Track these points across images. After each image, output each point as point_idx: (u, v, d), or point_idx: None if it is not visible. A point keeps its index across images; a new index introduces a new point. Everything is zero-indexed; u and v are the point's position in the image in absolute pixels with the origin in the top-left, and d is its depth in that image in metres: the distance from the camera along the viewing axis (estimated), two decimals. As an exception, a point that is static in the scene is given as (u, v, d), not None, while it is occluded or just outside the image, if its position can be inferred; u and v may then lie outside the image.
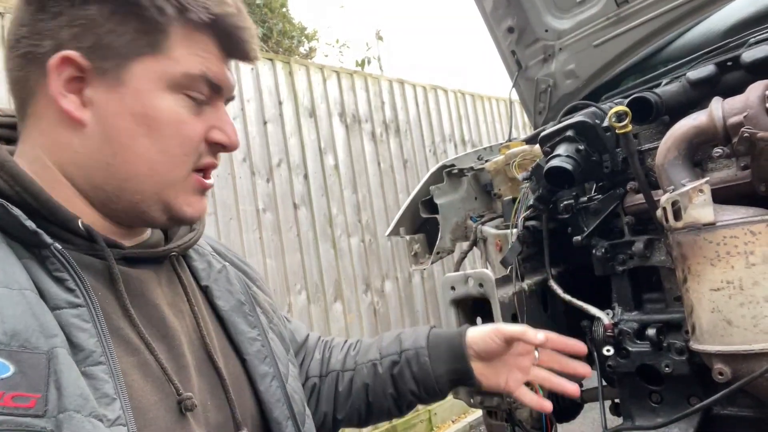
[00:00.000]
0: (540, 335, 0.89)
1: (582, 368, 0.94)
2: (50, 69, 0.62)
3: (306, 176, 3.73)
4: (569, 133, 1.15)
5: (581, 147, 1.13)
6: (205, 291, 0.82)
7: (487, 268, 1.32)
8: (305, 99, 3.83)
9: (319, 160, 3.84)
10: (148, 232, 0.76)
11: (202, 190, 0.72)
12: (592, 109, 1.19)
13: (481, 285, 1.10)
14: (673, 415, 1.02)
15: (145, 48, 0.64)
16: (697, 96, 1.05)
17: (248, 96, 3.46)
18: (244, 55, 0.72)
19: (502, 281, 1.18)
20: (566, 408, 1.42)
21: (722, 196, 0.93)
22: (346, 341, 1.03)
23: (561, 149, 1.14)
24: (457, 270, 1.63)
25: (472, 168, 1.69)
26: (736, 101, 0.90)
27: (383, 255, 4.12)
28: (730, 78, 1.03)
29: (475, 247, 1.61)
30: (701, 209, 0.87)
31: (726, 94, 0.94)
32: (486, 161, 1.65)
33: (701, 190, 0.87)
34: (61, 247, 0.59)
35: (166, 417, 0.64)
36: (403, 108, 4.58)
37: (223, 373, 0.74)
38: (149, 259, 0.73)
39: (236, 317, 0.82)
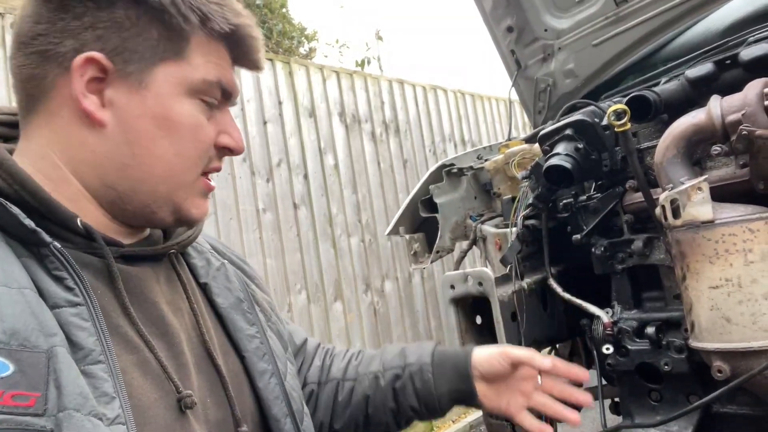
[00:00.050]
0: (547, 361, 0.88)
1: (583, 397, 0.93)
2: (74, 69, 0.63)
3: (306, 176, 3.74)
4: (568, 131, 1.15)
5: (580, 145, 1.13)
6: (204, 288, 0.82)
7: (486, 267, 1.32)
8: (305, 99, 3.84)
9: (319, 160, 3.85)
10: (147, 230, 0.76)
11: (207, 192, 0.74)
12: (591, 107, 1.19)
13: (480, 284, 1.11)
14: (673, 414, 1.02)
15: (167, 53, 0.66)
16: (696, 94, 1.05)
17: (248, 96, 3.46)
18: (253, 64, 0.75)
19: (502, 280, 1.18)
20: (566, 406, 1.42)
21: (721, 194, 0.93)
22: (347, 350, 1.02)
23: (560, 148, 1.14)
24: (456, 269, 1.63)
25: (471, 167, 1.69)
26: (734, 99, 0.90)
27: (383, 255, 4.12)
28: (729, 76, 1.03)
29: (474, 246, 1.61)
30: (700, 207, 0.87)
31: (724, 92, 0.94)
32: (485, 160, 1.66)
33: (700, 188, 0.87)
34: (60, 246, 0.59)
35: (165, 415, 0.64)
36: (402, 108, 4.58)
37: (223, 370, 0.75)
38: (148, 257, 0.73)
39: (235, 314, 0.82)
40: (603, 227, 1.17)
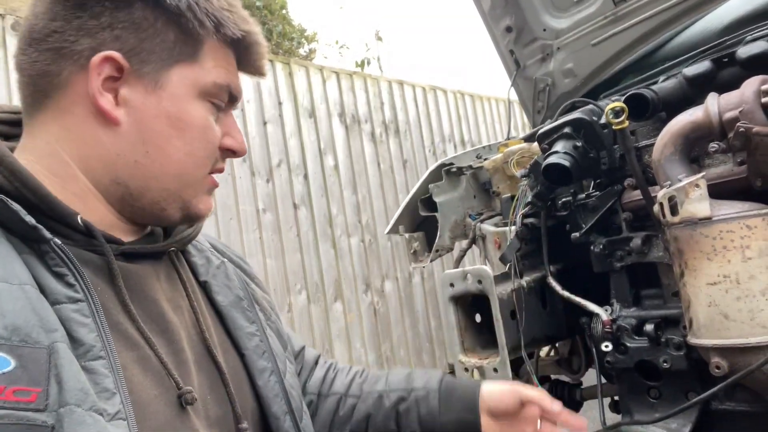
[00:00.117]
0: (556, 405, 0.88)
1: None
2: (91, 67, 0.64)
3: (306, 176, 3.74)
4: (567, 130, 1.15)
5: (579, 144, 1.13)
6: (204, 286, 0.83)
7: (486, 266, 1.32)
8: (305, 100, 3.84)
9: (319, 160, 3.85)
10: (149, 228, 0.77)
11: (213, 189, 0.77)
12: (590, 106, 1.20)
13: (479, 282, 1.11)
14: (672, 410, 1.03)
15: (182, 56, 0.68)
16: (694, 92, 1.06)
17: (248, 97, 3.47)
18: (256, 70, 0.78)
19: (501, 278, 1.19)
20: (566, 405, 1.42)
21: (718, 191, 0.93)
22: (351, 367, 1.03)
23: (558, 146, 1.14)
24: (456, 268, 1.64)
25: (470, 166, 1.69)
26: (731, 97, 0.90)
27: (383, 255, 4.13)
28: (726, 74, 1.03)
29: (474, 245, 1.62)
30: (697, 204, 0.87)
31: (722, 90, 0.95)
32: (485, 159, 1.66)
33: (697, 185, 0.87)
34: (60, 242, 0.60)
35: (166, 411, 0.64)
36: (402, 108, 4.58)
37: (223, 367, 0.75)
38: (148, 254, 0.74)
39: (235, 312, 0.83)
40: (602, 225, 1.18)
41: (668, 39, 1.74)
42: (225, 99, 0.74)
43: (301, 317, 3.49)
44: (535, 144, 1.32)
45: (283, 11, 6.98)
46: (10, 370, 0.50)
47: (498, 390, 0.92)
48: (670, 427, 1.06)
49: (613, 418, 1.23)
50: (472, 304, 1.20)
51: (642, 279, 1.16)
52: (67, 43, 0.65)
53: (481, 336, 1.20)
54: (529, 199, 1.26)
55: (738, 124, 0.86)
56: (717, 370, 0.87)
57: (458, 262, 1.67)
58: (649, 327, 1.07)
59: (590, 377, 1.34)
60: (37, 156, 0.66)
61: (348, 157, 4.06)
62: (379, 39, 7.47)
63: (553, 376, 1.54)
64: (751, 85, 0.89)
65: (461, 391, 0.94)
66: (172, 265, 0.77)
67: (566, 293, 1.19)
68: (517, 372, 1.33)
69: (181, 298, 0.76)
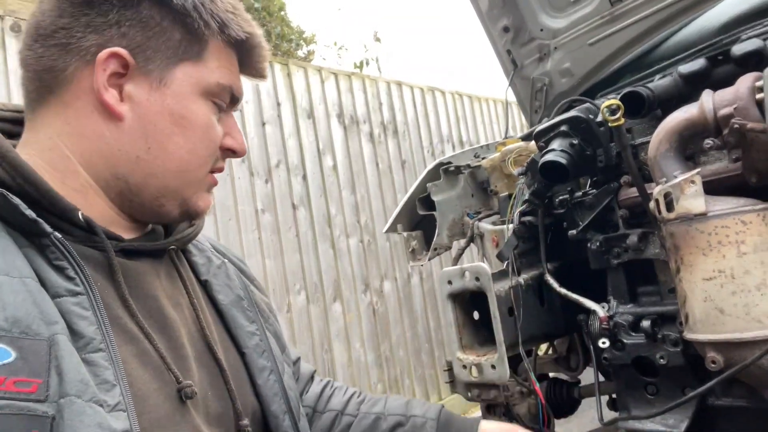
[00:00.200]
0: None
1: None
2: (98, 63, 0.65)
3: (304, 177, 3.75)
4: (563, 128, 1.16)
5: (575, 142, 1.14)
6: (205, 285, 0.84)
7: (484, 263, 1.33)
8: (303, 100, 3.85)
9: (318, 161, 3.86)
10: (150, 225, 0.78)
11: (212, 187, 0.78)
12: (587, 104, 1.20)
13: (477, 278, 1.11)
14: (668, 406, 1.03)
15: (187, 55, 0.70)
16: (689, 90, 1.06)
17: (246, 97, 3.48)
18: (258, 72, 0.80)
19: (499, 275, 1.19)
20: (564, 404, 1.43)
21: (714, 187, 0.94)
22: (348, 387, 1.04)
23: (555, 144, 1.15)
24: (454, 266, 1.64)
25: (468, 165, 1.70)
26: (726, 93, 0.91)
27: (382, 255, 4.13)
28: (721, 71, 1.04)
29: (472, 244, 1.62)
30: (693, 200, 0.88)
31: (717, 87, 0.95)
32: (482, 158, 1.67)
33: (693, 181, 0.88)
34: (60, 236, 0.61)
35: (165, 404, 0.65)
36: (401, 109, 4.59)
37: (224, 364, 0.76)
38: (148, 252, 0.74)
39: (235, 311, 0.84)
40: (598, 222, 1.18)
41: (665, 38, 1.75)
42: (227, 99, 0.75)
43: (300, 317, 3.49)
44: (533, 143, 1.32)
45: (282, 13, 7.00)
46: (11, 362, 0.51)
47: (496, 428, 0.94)
48: (667, 423, 1.06)
49: (611, 416, 1.23)
50: (470, 302, 1.21)
51: (639, 276, 1.16)
52: (74, 39, 0.66)
53: (479, 333, 1.21)
54: (527, 197, 1.26)
55: (732, 120, 0.87)
56: (713, 365, 0.87)
57: (456, 261, 1.67)
58: (645, 323, 1.08)
59: (588, 376, 1.34)
60: (38, 150, 0.67)
61: (346, 158, 4.07)
62: (378, 40, 7.48)
63: (551, 374, 1.55)
64: (745, 81, 0.89)
65: (459, 424, 0.95)
66: (173, 264, 0.78)
67: (564, 290, 1.20)
68: (515, 369, 1.33)
69: (181, 295, 0.77)
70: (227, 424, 0.74)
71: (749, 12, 1.49)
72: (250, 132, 3.45)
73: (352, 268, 3.90)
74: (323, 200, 3.82)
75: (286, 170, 3.63)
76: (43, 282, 0.58)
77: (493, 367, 1.10)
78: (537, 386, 1.28)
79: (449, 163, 1.71)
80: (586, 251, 1.19)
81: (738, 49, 0.99)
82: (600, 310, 1.13)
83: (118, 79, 0.68)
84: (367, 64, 6.91)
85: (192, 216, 0.78)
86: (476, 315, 1.21)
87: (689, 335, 0.92)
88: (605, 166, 1.16)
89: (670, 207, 0.90)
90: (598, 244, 1.17)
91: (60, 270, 0.60)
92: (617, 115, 1.00)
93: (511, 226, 1.29)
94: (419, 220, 1.78)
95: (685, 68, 1.06)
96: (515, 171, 1.36)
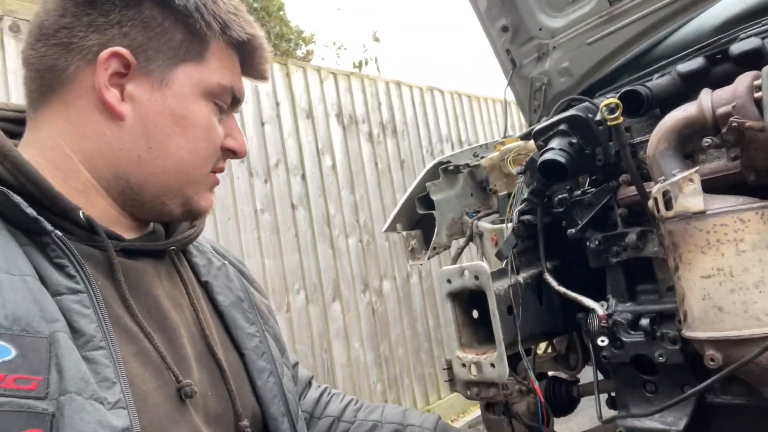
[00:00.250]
0: None
1: None
2: (99, 62, 0.66)
3: (304, 177, 3.75)
4: (562, 127, 1.16)
5: (574, 140, 1.14)
6: (205, 286, 0.84)
7: (483, 262, 1.33)
8: (302, 100, 3.85)
9: (317, 160, 3.86)
10: (151, 225, 0.78)
11: (214, 186, 0.79)
12: (585, 103, 1.21)
13: (476, 277, 1.11)
14: (667, 403, 1.03)
15: (189, 55, 0.70)
16: (687, 88, 1.06)
17: (245, 97, 3.46)
18: (260, 75, 0.81)
19: (498, 274, 1.19)
20: (563, 402, 1.43)
21: (713, 185, 0.94)
22: (345, 394, 1.05)
23: (554, 143, 1.15)
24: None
25: (467, 164, 1.70)
26: (724, 92, 0.91)
27: (381, 255, 4.13)
28: (720, 70, 1.04)
29: (471, 243, 1.62)
30: (691, 198, 0.88)
31: (715, 86, 0.95)
32: (481, 158, 1.67)
33: (691, 180, 0.88)
34: (61, 234, 0.61)
35: (165, 403, 0.65)
36: (400, 109, 4.60)
37: (224, 365, 0.76)
38: (149, 252, 0.75)
39: (235, 312, 0.84)
40: (597, 221, 1.18)
41: (663, 38, 1.75)
42: (228, 100, 0.76)
43: (299, 317, 3.50)
44: (531, 142, 1.32)
45: (281, 12, 7.00)
46: (11, 359, 0.52)
47: None
48: (666, 421, 1.06)
49: (610, 414, 1.23)
50: (469, 300, 1.21)
51: (637, 274, 1.17)
52: (76, 38, 0.66)
53: (479, 332, 1.21)
54: (526, 196, 1.27)
55: (731, 119, 0.87)
56: (711, 363, 0.87)
57: (456, 260, 1.68)
58: (644, 321, 1.08)
59: (587, 374, 1.34)
60: (40, 149, 0.67)
61: (346, 158, 4.07)
62: (377, 40, 7.48)
63: (550, 373, 1.55)
64: (744, 80, 0.90)
65: None
66: (173, 265, 0.79)
67: (563, 289, 1.20)
68: (515, 368, 1.33)
69: (181, 296, 0.77)
70: (227, 424, 0.74)
71: (747, 11, 1.49)
72: (249, 132, 3.45)
73: (352, 268, 3.90)
74: (322, 200, 3.82)
75: (285, 170, 3.63)
76: (43, 280, 0.58)
77: (493, 365, 1.10)
78: (536, 385, 1.29)
79: (448, 162, 1.71)
80: (585, 250, 1.19)
81: (736, 48, 1.00)
82: (599, 308, 1.13)
83: (120, 79, 0.68)
84: (366, 63, 6.92)
85: (194, 215, 0.78)
86: (475, 314, 1.21)
87: (688, 333, 0.92)
88: (604, 165, 1.16)
89: (668, 205, 0.91)
90: (597, 242, 1.17)
91: (60, 268, 0.60)
92: (616, 114, 1.00)
93: (510, 225, 1.29)
94: (418, 219, 1.78)
95: (684, 67, 1.07)
96: (514, 170, 1.37)
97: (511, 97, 2.24)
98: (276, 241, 3.47)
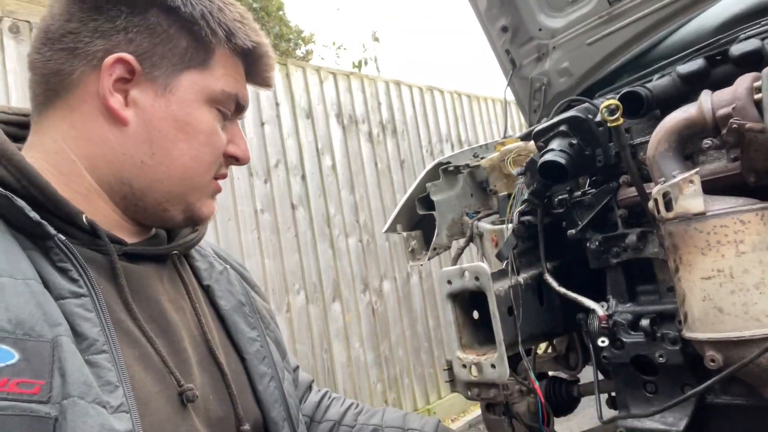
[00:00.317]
0: None
1: None
2: (104, 68, 0.66)
3: (303, 177, 3.75)
4: (562, 128, 1.16)
5: (574, 141, 1.14)
6: (207, 290, 0.84)
7: (483, 263, 1.33)
8: (302, 100, 3.85)
9: (317, 160, 3.86)
10: (153, 230, 0.78)
11: (216, 193, 0.79)
12: (585, 104, 1.21)
13: (477, 278, 1.11)
14: (667, 404, 1.03)
15: (193, 62, 0.71)
16: (687, 90, 1.07)
17: (245, 98, 3.48)
18: (263, 82, 0.81)
19: (498, 275, 1.19)
20: (563, 402, 1.43)
21: (713, 187, 0.94)
22: (345, 398, 1.05)
23: (554, 144, 1.15)
24: (454, 266, 1.64)
25: (467, 165, 1.70)
26: (724, 93, 0.91)
27: (381, 255, 4.13)
28: (720, 71, 1.04)
29: (471, 243, 1.62)
30: (691, 199, 0.88)
31: (715, 87, 0.96)
32: (481, 158, 1.67)
33: (691, 181, 0.88)
34: (64, 238, 0.61)
35: (167, 407, 0.65)
36: (399, 109, 4.60)
37: (225, 369, 0.76)
38: (151, 256, 0.75)
39: (237, 317, 0.84)
40: (597, 222, 1.18)
41: (663, 38, 1.75)
42: (232, 107, 0.76)
43: (299, 317, 3.50)
44: (532, 142, 1.33)
45: (280, 12, 7.00)
46: (14, 363, 0.52)
47: None
48: (667, 421, 1.07)
49: (610, 414, 1.23)
50: (469, 301, 1.21)
51: (638, 275, 1.17)
52: (82, 43, 0.67)
53: (479, 332, 1.21)
54: (526, 197, 1.27)
55: (731, 120, 0.87)
56: (712, 364, 0.88)
57: (456, 260, 1.68)
58: (644, 322, 1.08)
59: (587, 374, 1.34)
60: (44, 153, 0.68)
61: (345, 158, 4.07)
62: (376, 40, 7.48)
63: (550, 373, 1.55)
64: (744, 82, 0.90)
65: None
66: (175, 269, 0.79)
67: (563, 289, 1.20)
68: (515, 368, 1.34)
69: (183, 300, 0.77)
70: (228, 428, 0.74)
71: (747, 11, 1.49)
72: (249, 132, 3.45)
73: (352, 268, 3.90)
74: (322, 200, 3.82)
75: (285, 170, 3.63)
76: (46, 284, 0.58)
77: (493, 366, 1.10)
78: (536, 385, 1.29)
79: (448, 163, 1.71)
80: (585, 251, 1.19)
81: (736, 50, 1.00)
82: (599, 309, 1.14)
83: (124, 85, 0.68)
84: (366, 63, 6.92)
85: (196, 222, 0.78)
86: (476, 314, 1.21)
87: (688, 334, 0.92)
88: (604, 166, 1.16)
89: (668, 206, 0.91)
90: (597, 243, 1.17)
91: (63, 272, 0.60)
92: (616, 115, 1.01)
93: (510, 225, 1.29)
94: (418, 220, 1.78)
95: (684, 68, 1.07)
96: (514, 171, 1.37)
97: (510, 97, 2.24)
98: (276, 242, 3.47)
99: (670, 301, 1.08)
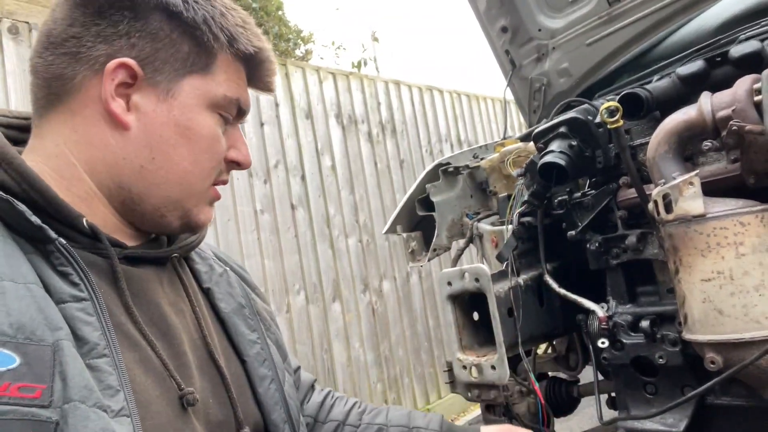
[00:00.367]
0: None
1: None
2: (106, 72, 0.66)
3: (303, 177, 3.75)
4: (562, 129, 1.16)
5: (574, 143, 1.14)
6: (207, 293, 0.84)
7: (483, 264, 1.33)
8: (302, 101, 3.85)
9: (316, 161, 3.86)
10: (152, 234, 0.78)
11: (214, 200, 0.79)
12: (585, 105, 1.21)
13: (477, 280, 1.12)
14: (668, 405, 1.04)
15: (195, 67, 0.71)
16: (687, 91, 1.07)
17: (245, 98, 3.47)
18: (265, 87, 0.81)
19: (498, 276, 1.20)
20: (563, 402, 1.44)
21: (712, 188, 0.94)
22: (348, 397, 1.05)
23: (554, 145, 1.15)
24: (454, 267, 1.64)
25: (467, 166, 1.70)
26: (724, 95, 0.91)
27: (381, 255, 4.13)
28: (719, 73, 1.04)
29: (471, 244, 1.63)
30: (691, 201, 0.88)
31: (715, 89, 0.96)
32: (481, 159, 1.67)
33: (691, 183, 0.88)
34: (65, 242, 0.61)
35: (167, 411, 0.65)
36: (399, 108, 4.60)
37: (225, 372, 0.76)
38: (151, 259, 0.75)
39: (237, 319, 0.84)
40: (597, 223, 1.19)
41: (663, 38, 1.75)
42: (233, 112, 0.76)
43: (299, 318, 3.50)
44: (531, 143, 1.33)
45: (280, 12, 6.99)
46: (15, 367, 0.52)
47: (497, 429, 0.99)
48: (667, 422, 1.07)
49: (610, 414, 1.23)
50: (469, 303, 1.21)
51: (637, 276, 1.17)
52: (84, 48, 0.67)
53: (479, 334, 1.21)
54: (526, 198, 1.27)
55: (731, 122, 0.87)
56: (712, 365, 0.88)
57: (456, 261, 1.68)
58: (644, 323, 1.08)
59: (587, 374, 1.35)
60: (45, 157, 0.68)
61: (345, 158, 4.07)
62: (376, 40, 7.47)
63: (550, 373, 1.55)
64: (744, 83, 0.90)
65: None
66: (175, 271, 0.79)
67: (563, 291, 1.20)
68: (515, 369, 1.34)
69: (183, 303, 0.77)
70: (228, 431, 0.74)
71: (747, 12, 1.49)
72: (248, 133, 3.45)
73: (351, 268, 3.90)
74: (322, 200, 3.82)
75: (284, 170, 3.63)
76: (47, 288, 0.58)
77: (493, 367, 1.10)
78: (536, 386, 1.29)
79: (448, 163, 1.71)
80: (585, 252, 1.20)
81: (736, 51, 1.00)
82: (599, 310, 1.14)
83: (126, 89, 0.68)
84: (365, 63, 6.92)
85: (192, 228, 0.78)
86: (476, 316, 1.22)
87: (688, 336, 0.92)
88: (604, 167, 1.16)
89: (668, 208, 0.91)
90: (597, 244, 1.17)
91: (64, 276, 0.60)
92: (616, 117, 1.01)
93: (510, 227, 1.29)
94: (418, 221, 1.78)
95: (684, 70, 1.07)
96: (514, 172, 1.37)
97: (510, 97, 2.24)
98: (276, 242, 3.47)
99: (670, 302, 1.09)
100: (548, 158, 1.13)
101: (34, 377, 0.52)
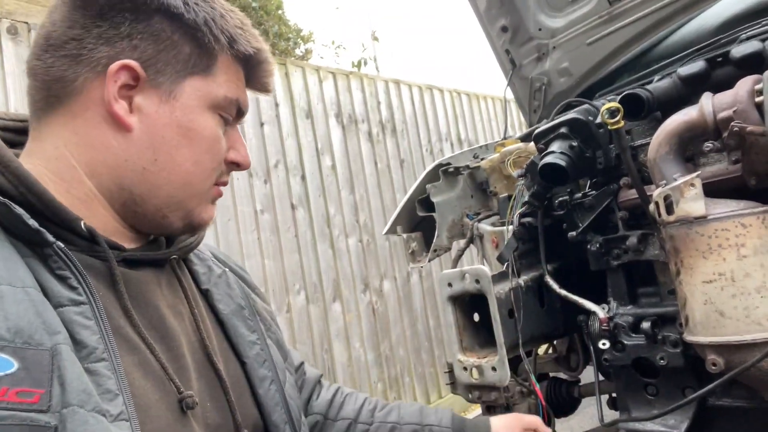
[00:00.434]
0: (549, 430, 1.04)
1: None
2: (109, 74, 0.66)
3: (303, 177, 3.74)
4: (563, 130, 1.16)
5: (575, 143, 1.14)
6: (206, 294, 0.84)
7: (483, 265, 1.33)
8: (302, 100, 3.84)
9: (316, 160, 3.85)
10: (151, 236, 0.78)
11: (216, 198, 0.79)
12: (586, 106, 1.20)
13: (477, 281, 1.11)
14: (669, 407, 1.03)
15: (196, 69, 0.71)
16: (688, 92, 1.06)
17: (245, 98, 3.47)
18: (263, 88, 0.82)
19: (499, 277, 1.19)
20: (564, 403, 1.43)
21: (714, 190, 0.94)
22: (358, 393, 1.05)
23: (555, 146, 1.15)
24: (454, 267, 1.64)
25: (467, 166, 1.70)
26: (725, 96, 0.91)
27: (381, 255, 4.13)
28: (720, 74, 1.04)
29: (471, 245, 1.62)
30: (693, 203, 0.88)
31: (716, 89, 0.95)
32: (481, 159, 1.66)
33: (692, 184, 0.88)
34: (63, 246, 0.61)
35: (167, 415, 0.65)
36: (399, 108, 4.59)
37: (223, 375, 0.76)
38: (150, 261, 0.75)
39: (236, 321, 0.84)
40: (598, 224, 1.18)
41: (663, 38, 1.75)
42: (233, 113, 0.76)
43: (300, 318, 3.50)
44: (532, 144, 1.32)
45: (279, 11, 6.98)
46: (13, 372, 0.51)
47: (503, 423, 1.02)
48: (668, 424, 1.07)
49: (611, 415, 1.23)
50: (470, 304, 1.21)
51: (638, 277, 1.17)
52: (86, 50, 0.66)
53: (480, 335, 1.21)
54: (526, 199, 1.27)
55: (732, 123, 0.87)
56: (713, 367, 0.87)
57: (456, 262, 1.67)
58: (645, 325, 1.08)
59: (588, 374, 1.34)
60: (44, 159, 0.67)
61: (345, 157, 4.07)
62: (376, 39, 7.47)
63: (551, 374, 1.55)
64: (745, 84, 0.90)
65: (472, 427, 1.02)
66: (174, 273, 0.78)
67: (563, 292, 1.20)
68: (516, 370, 1.34)
69: (182, 305, 0.77)
70: None
71: (747, 11, 1.49)
72: (248, 132, 3.45)
73: (352, 268, 3.90)
74: (322, 200, 3.82)
75: (284, 170, 3.63)
76: (45, 292, 0.58)
77: (494, 369, 1.10)
78: (537, 387, 1.29)
79: (448, 164, 1.71)
80: (586, 253, 1.19)
81: (737, 52, 0.99)
82: (600, 311, 1.14)
83: (128, 91, 0.68)
84: (365, 63, 6.91)
85: (195, 228, 0.78)
86: (476, 317, 1.21)
87: (689, 337, 0.92)
88: (605, 168, 1.16)
89: (669, 210, 0.91)
90: (597, 245, 1.17)
91: (62, 279, 0.60)
92: (617, 118, 1.00)
93: (510, 227, 1.29)
94: (419, 221, 1.78)
95: (685, 70, 1.06)
96: (515, 173, 1.37)
97: (510, 96, 2.24)
98: (276, 242, 3.47)
99: (671, 303, 1.08)
100: (549, 159, 1.12)
101: (32, 382, 0.52)
